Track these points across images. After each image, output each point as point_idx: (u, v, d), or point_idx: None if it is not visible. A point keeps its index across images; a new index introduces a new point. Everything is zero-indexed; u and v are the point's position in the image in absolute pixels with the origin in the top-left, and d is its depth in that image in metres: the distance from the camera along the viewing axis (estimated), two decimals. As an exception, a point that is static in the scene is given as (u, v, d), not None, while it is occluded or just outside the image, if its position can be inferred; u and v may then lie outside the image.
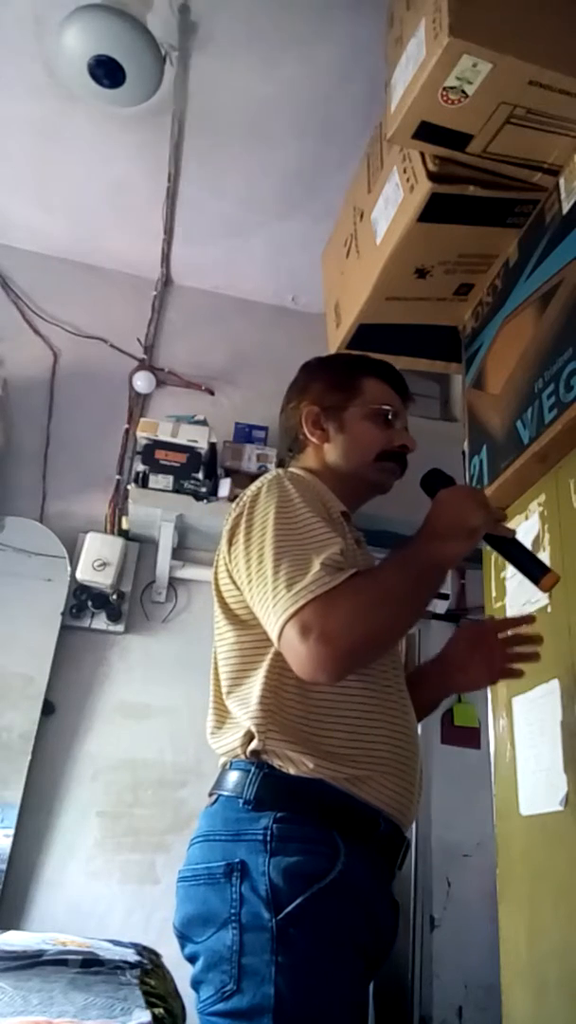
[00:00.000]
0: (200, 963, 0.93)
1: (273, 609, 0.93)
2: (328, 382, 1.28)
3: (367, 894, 0.96)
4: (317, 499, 1.07)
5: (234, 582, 1.07)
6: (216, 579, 1.13)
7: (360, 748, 0.99)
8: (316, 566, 0.92)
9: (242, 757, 0.99)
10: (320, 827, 0.93)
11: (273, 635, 0.94)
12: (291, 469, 1.20)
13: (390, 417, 1.23)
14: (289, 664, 0.95)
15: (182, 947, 0.98)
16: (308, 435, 1.24)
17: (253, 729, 0.97)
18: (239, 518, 1.07)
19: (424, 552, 1.00)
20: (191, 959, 0.95)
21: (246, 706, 1.00)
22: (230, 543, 1.08)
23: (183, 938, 0.97)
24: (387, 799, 0.99)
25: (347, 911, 0.92)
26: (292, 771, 0.95)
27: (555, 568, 1.36)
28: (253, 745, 0.97)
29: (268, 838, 0.92)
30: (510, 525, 1.54)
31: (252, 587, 0.99)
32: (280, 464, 1.33)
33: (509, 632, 1.24)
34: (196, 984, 0.93)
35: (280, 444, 1.38)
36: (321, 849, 0.92)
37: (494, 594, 1.61)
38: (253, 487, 1.10)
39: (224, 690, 1.06)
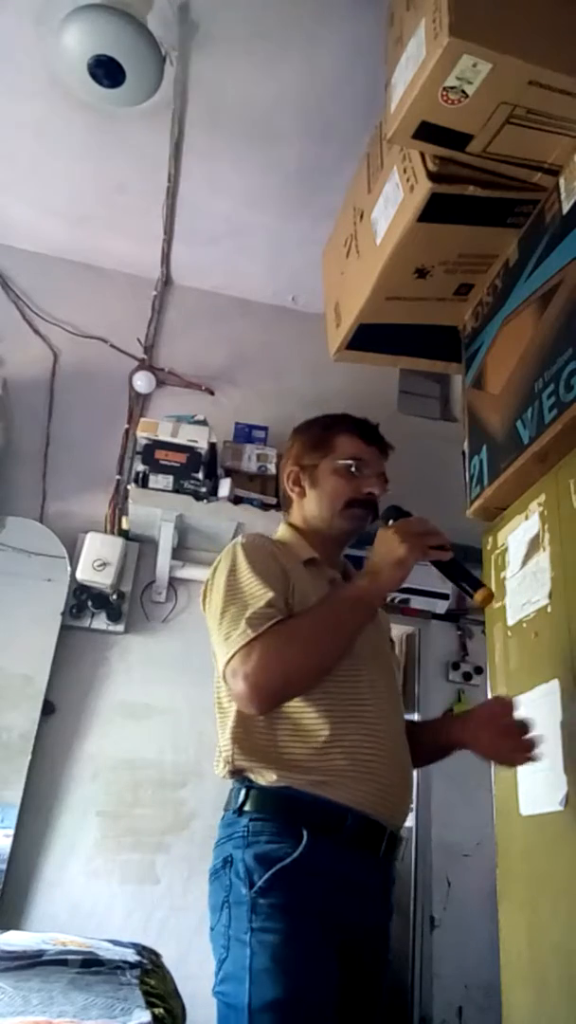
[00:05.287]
0: (212, 946, 1.12)
1: (218, 657, 1.17)
2: (304, 443, 1.44)
3: (337, 876, 1.11)
4: (267, 558, 1.25)
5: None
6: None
7: (319, 761, 1.14)
8: (243, 621, 1.13)
9: (229, 778, 1.21)
10: (287, 823, 1.12)
11: (220, 678, 1.19)
12: (279, 528, 1.42)
13: (354, 469, 1.37)
14: None
15: (210, 938, 1.15)
16: (290, 492, 1.43)
17: (226, 756, 1.19)
18: (207, 582, 1.29)
19: (350, 590, 1.22)
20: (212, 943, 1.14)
21: (223, 733, 1.21)
22: (203, 605, 1.30)
23: (211, 929, 1.15)
24: (355, 798, 1.13)
25: (308, 885, 1.09)
26: (263, 782, 1.15)
27: (555, 567, 1.37)
28: (229, 768, 1.18)
29: (246, 833, 1.13)
30: (509, 525, 1.56)
31: (212, 639, 1.23)
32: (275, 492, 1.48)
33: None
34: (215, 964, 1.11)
35: (280, 501, 1.60)
36: (286, 840, 1.11)
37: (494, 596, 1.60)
38: (217, 558, 1.30)
39: (216, 720, 1.26)
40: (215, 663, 1.25)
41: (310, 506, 1.39)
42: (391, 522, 1.24)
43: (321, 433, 1.43)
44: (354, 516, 1.36)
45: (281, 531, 1.41)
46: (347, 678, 1.20)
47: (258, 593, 1.17)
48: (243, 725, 1.18)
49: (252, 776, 1.16)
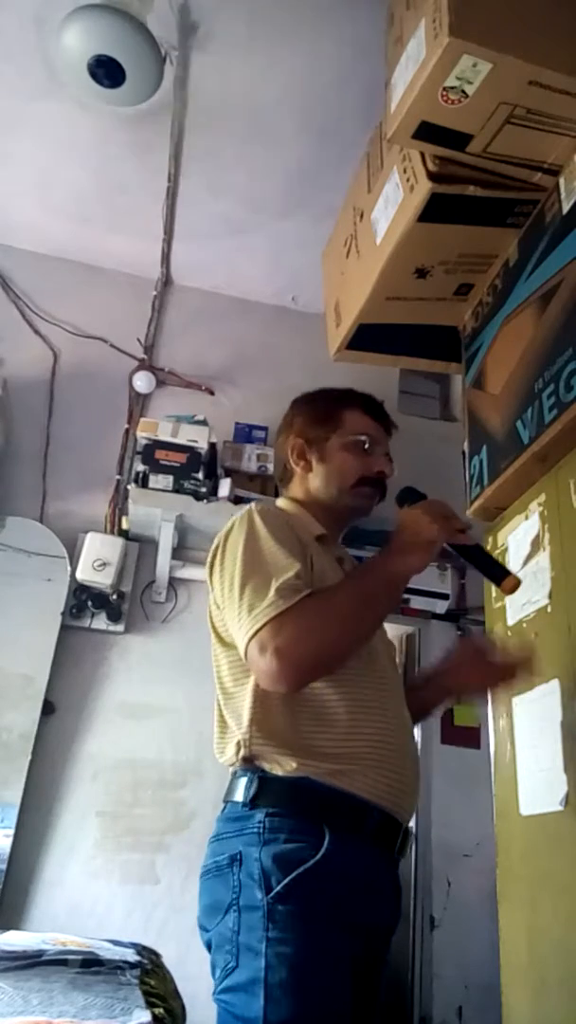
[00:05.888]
0: (212, 948, 1.04)
1: (238, 631, 1.06)
2: (311, 416, 1.38)
3: (358, 877, 1.05)
4: (285, 527, 1.18)
5: (219, 606, 1.19)
6: (209, 607, 1.24)
7: (341, 747, 1.08)
8: (272, 591, 1.04)
9: (239, 765, 1.11)
10: (307, 819, 1.04)
11: (241, 653, 1.07)
12: (277, 501, 1.36)
13: (367, 446, 1.32)
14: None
15: (202, 937, 1.08)
16: (293, 466, 1.35)
17: (241, 739, 1.09)
18: (216, 551, 1.20)
19: (381, 568, 1.13)
20: (208, 946, 1.06)
21: (238, 719, 1.11)
22: (211, 574, 1.21)
23: (202, 928, 1.08)
24: (375, 790, 1.07)
25: (332, 891, 1.01)
26: (280, 772, 1.06)
27: (555, 567, 1.37)
28: (243, 753, 1.09)
29: (261, 830, 1.03)
30: (510, 525, 1.56)
31: (225, 612, 1.13)
32: (275, 492, 1.42)
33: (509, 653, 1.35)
34: (211, 968, 1.03)
35: (275, 475, 1.49)
36: (307, 838, 1.02)
37: (494, 594, 1.61)
38: (228, 524, 1.22)
39: (222, 704, 1.17)
40: (223, 640, 1.18)
41: (316, 481, 1.33)
42: (406, 504, 1.20)
43: (328, 406, 1.38)
44: (363, 494, 1.31)
45: (284, 505, 1.34)
46: (366, 663, 1.15)
47: (283, 563, 1.09)
48: (261, 707, 1.09)
49: (267, 764, 1.07)
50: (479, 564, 1.17)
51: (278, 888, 0.98)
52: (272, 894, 0.98)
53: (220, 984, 0.99)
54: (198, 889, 1.10)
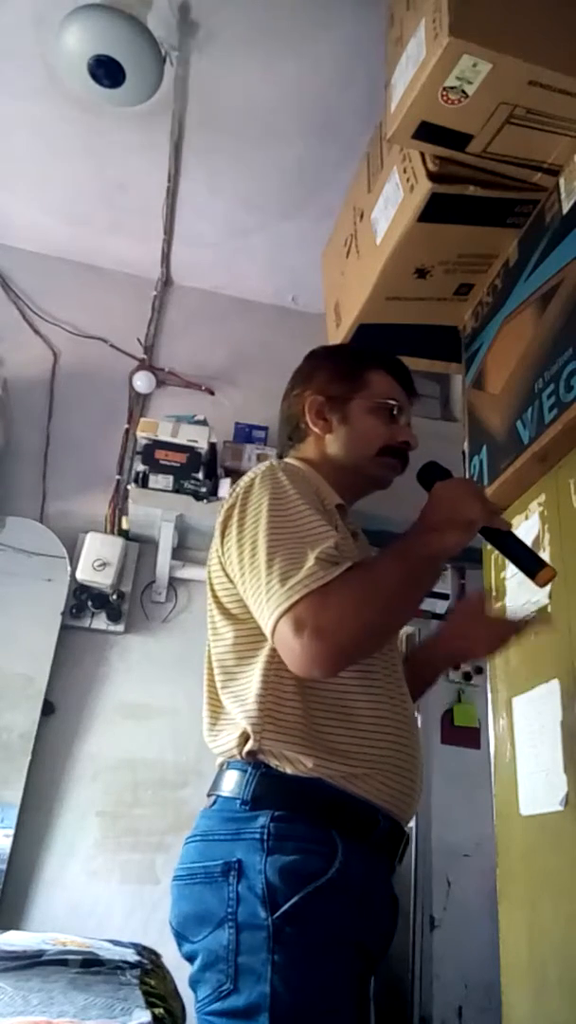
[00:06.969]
0: (198, 962, 0.92)
1: (267, 604, 0.91)
2: (334, 372, 1.25)
3: (365, 892, 0.95)
4: (311, 490, 1.05)
5: (227, 575, 1.05)
6: (210, 574, 1.11)
7: (360, 745, 0.98)
8: (311, 560, 0.91)
9: (238, 757, 0.98)
10: (318, 826, 0.93)
11: (267, 630, 0.93)
12: (286, 460, 1.19)
13: (395, 412, 1.21)
14: (283, 659, 0.94)
15: (179, 946, 0.98)
16: (310, 425, 1.21)
17: (249, 729, 0.96)
18: (231, 510, 1.05)
19: (420, 545, 0.99)
20: (189, 958, 0.95)
21: (242, 704, 0.99)
22: (223, 535, 1.06)
23: (180, 937, 0.97)
24: (386, 796, 0.98)
25: (344, 910, 0.91)
26: (289, 770, 0.95)
27: (555, 568, 1.37)
28: (249, 746, 0.96)
29: (265, 837, 0.91)
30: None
31: (245, 580, 0.98)
32: (280, 455, 1.31)
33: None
34: (194, 984, 0.93)
35: (280, 432, 1.33)
36: (318, 848, 0.91)
37: (494, 594, 1.61)
38: (246, 478, 1.08)
39: (219, 686, 1.05)
40: (228, 612, 1.05)
41: (335, 445, 1.19)
42: (435, 481, 1.08)
43: (352, 364, 1.25)
44: (387, 465, 1.19)
45: (298, 467, 1.16)
46: (385, 654, 1.05)
47: (320, 530, 0.96)
48: (273, 693, 0.97)
49: (274, 761, 0.95)
50: (512, 553, 1.05)
51: (285, 907, 0.87)
52: (279, 914, 0.87)
53: (211, 1005, 0.89)
54: (173, 893, 0.99)
